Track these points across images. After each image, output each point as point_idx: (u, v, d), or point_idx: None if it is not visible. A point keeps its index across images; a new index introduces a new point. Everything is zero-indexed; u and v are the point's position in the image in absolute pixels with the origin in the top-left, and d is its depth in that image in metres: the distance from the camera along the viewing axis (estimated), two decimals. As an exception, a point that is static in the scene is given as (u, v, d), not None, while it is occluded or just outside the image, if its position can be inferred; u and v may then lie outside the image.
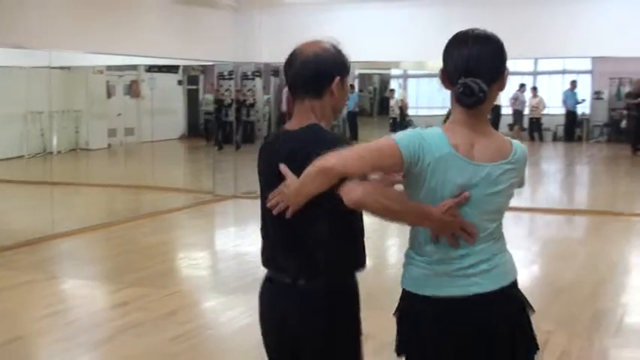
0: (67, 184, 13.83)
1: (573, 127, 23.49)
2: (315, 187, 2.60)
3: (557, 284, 7.46)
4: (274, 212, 2.79)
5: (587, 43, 11.59)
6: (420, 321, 2.71)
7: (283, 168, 2.76)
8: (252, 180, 12.13)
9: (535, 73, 24.89)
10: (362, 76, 21.99)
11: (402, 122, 22.02)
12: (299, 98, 2.91)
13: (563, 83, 24.37)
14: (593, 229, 10.77)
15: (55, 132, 14.38)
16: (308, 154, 2.64)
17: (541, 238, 10.22)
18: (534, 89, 23.84)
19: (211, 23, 12.74)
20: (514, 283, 2.77)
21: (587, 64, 23.27)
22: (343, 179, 2.54)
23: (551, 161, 20.27)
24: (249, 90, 16.76)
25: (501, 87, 2.69)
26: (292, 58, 2.93)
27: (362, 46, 12.43)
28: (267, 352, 3.20)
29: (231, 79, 17.67)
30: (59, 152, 15.58)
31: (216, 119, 21.78)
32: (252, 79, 14.58)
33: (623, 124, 21.28)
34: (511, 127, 22.91)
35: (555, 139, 24.36)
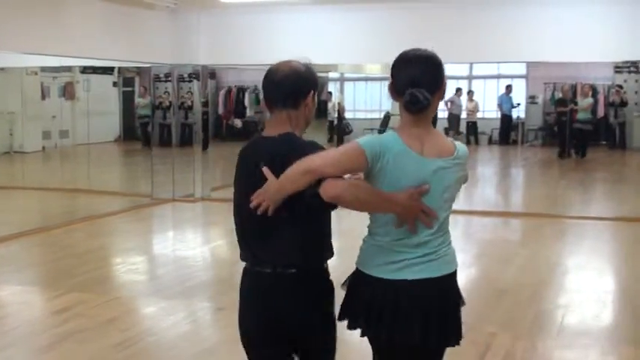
0: (1, 188, 13.59)
1: (509, 131, 23.86)
2: (299, 185, 2.99)
3: (498, 286, 7.54)
4: (258, 212, 3.20)
5: (521, 48, 11.74)
6: (369, 298, 3.12)
7: (266, 170, 3.13)
8: (190, 183, 12.05)
9: (470, 77, 25.21)
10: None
11: (339, 125, 22.10)
12: (277, 109, 3.28)
13: (498, 87, 24.72)
14: (530, 231, 10.91)
15: (-11, 134, 14.15)
16: (287, 158, 3.02)
17: (479, 240, 10.31)
18: (470, 93, 24.13)
19: (148, 24, 12.62)
20: (454, 273, 3.22)
21: (522, 69, 23.65)
22: (320, 179, 2.93)
23: (487, 164, 20.51)
24: (187, 92, 16.62)
25: (441, 96, 3.15)
26: (271, 73, 3.30)
27: (299, 48, 12.41)
28: (252, 343, 3.59)
29: (167, 81, 17.52)
30: (-7, 155, 15.33)
31: (144, 124, 21.72)
32: (190, 81, 14.43)
33: (557, 128, 21.65)
34: (447, 130, 23.12)
35: (491, 142, 24.71)
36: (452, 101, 23.55)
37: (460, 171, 3.16)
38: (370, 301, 3.11)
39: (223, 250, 10.23)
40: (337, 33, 12.30)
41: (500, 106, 23.90)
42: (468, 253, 9.06)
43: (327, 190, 2.93)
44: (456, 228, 10.29)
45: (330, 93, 21.96)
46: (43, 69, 17.32)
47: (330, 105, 21.40)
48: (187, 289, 7.65)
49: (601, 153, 19.83)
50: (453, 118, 23.60)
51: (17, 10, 10.04)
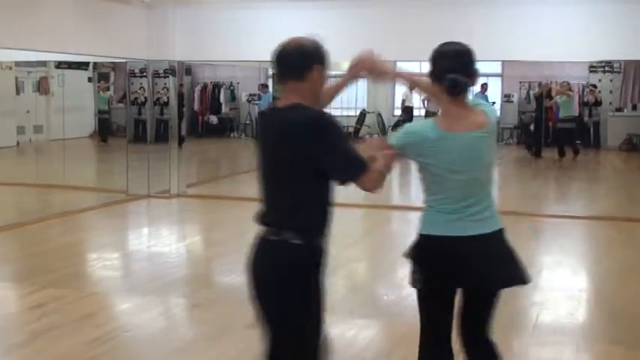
0: (-25, 183, 13.50)
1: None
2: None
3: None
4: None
5: (497, 47, 11.76)
6: (433, 257, 3.75)
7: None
8: (166, 180, 11.98)
9: (446, 75, 25.27)
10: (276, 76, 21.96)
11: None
12: (284, 81, 3.54)
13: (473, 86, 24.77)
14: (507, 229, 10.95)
15: (-38, 129, 14.04)
16: (291, 124, 3.40)
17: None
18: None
19: (123, 19, 12.54)
20: (501, 230, 3.85)
21: (497, 68, 23.71)
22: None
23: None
24: (162, 88, 16.58)
25: (473, 83, 3.74)
26: (278, 48, 3.58)
27: (275, 46, 12.44)
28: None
29: (143, 76, 17.45)
30: (-34, 150, 15.21)
31: (102, 120, 21.67)
32: (165, 77, 14.37)
33: (532, 127, 21.75)
34: (422, 127, 23.15)
35: (466, 140, 24.76)
36: (428, 99, 23.59)
37: (493, 139, 3.79)
38: (436, 254, 3.73)
39: (199, 246, 10.23)
40: (313, 30, 12.23)
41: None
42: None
43: (370, 187, 3.52)
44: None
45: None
46: (18, 63, 17.24)
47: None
48: (163, 286, 7.64)
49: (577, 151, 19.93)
50: (430, 115, 23.64)
51: (-8, 4, 9.97)
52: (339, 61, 15.40)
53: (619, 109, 23.36)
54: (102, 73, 23.86)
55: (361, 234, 11.00)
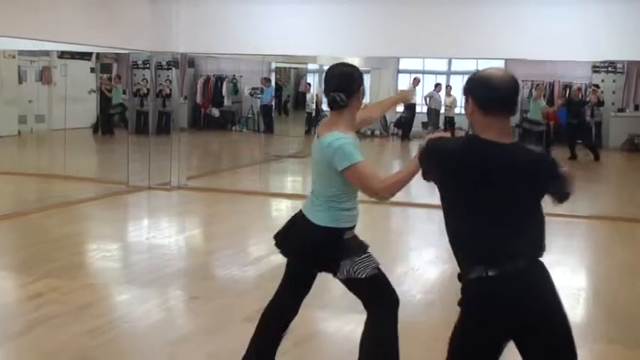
0: (-24, 172, 13.50)
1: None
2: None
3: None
4: None
5: (500, 45, 11.75)
6: None
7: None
8: (167, 171, 11.92)
9: (449, 73, 25.24)
10: (279, 70, 21.95)
11: (317, 117, 22.11)
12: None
13: (476, 83, 24.74)
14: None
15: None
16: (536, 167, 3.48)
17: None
18: (448, 88, 24.18)
19: (127, 10, 12.50)
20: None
21: (500, 66, 23.67)
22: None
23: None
24: (165, 80, 16.58)
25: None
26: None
27: (279, 39, 12.43)
28: None
29: (146, 68, 17.46)
30: (-33, 138, 15.21)
31: (102, 111, 21.53)
32: (168, 69, 14.37)
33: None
34: (425, 125, 23.19)
35: (467, 137, 24.73)
36: (430, 96, 23.61)
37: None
38: None
39: (198, 239, 10.23)
40: (317, 24, 12.26)
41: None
42: (442, 248, 9.06)
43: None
44: (432, 223, 10.33)
45: (309, 84, 21.94)
46: (21, 52, 17.22)
47: (308, 96, 21.38)
48: (161, 278, 7.64)
49: (577, 152, 19.89)
50: (432, 113, 23.63)
51: (-5, -7, 9.94)
52: (342, 57, 15.32)
53: (621, 110, 23.35)
54: (104, 64, 23.83)
55: (361, 230, 10.97)
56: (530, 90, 23.13)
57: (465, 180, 3.38)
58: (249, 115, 25.67)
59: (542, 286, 3.46)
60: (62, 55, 18.63)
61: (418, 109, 23.75)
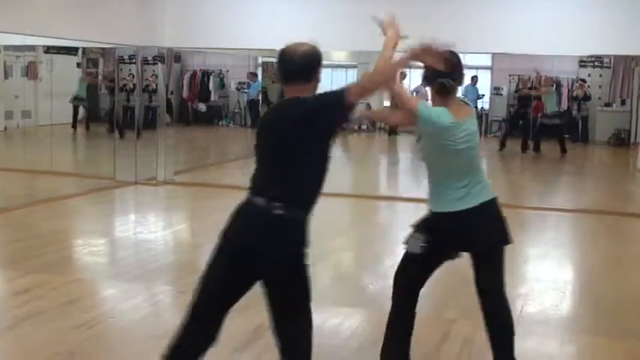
0: (-38, 167, 13.43)
1: (473, 122, 23.89)
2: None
3: (461, 275, 7.54)
4: None
5: (487, 39, 11.78)
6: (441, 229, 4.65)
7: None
8: (153, 167, 11.91)
9: (435, 67, 25.24)
10: (265, 65, 21.91)
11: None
12: (291, 83, 3.95)
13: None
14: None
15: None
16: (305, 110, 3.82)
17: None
18: (435, 83, 24.16)
19: (113, 4, 12.44)
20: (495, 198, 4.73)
21: (487, 60, 23.71)
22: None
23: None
24: (151, 75, 16.52)
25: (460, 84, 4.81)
26: (285, 53, 4.01)
27: (266, 34, 12.40)
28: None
29: (132, 63, 17.38)
30: (-47, 134, 15.13)
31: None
32: (154, 64, 14.33)
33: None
34: (411, 119, 23.13)
35: (454, 132, 24.73)
36: (417, 91, 23.56)
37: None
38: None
39: (185, 234, 10.22)
40: (304, 19, 12.25)
41: (465, 96, 23.94)
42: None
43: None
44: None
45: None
46: (6, 47, 17.13)
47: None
48: (148, 272, 7.63)
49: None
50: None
51: (-20, -13, 9.90)
52: (329, 51, 15.21)
53: (608, 104, 23.39)
54: (91, 59, 23.73)
55: (348, 224, 11.01)
56: (517, 84, 23.18)
57: None
58: (236, 110, 25.63)
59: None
60: (48, 50, 18.53)
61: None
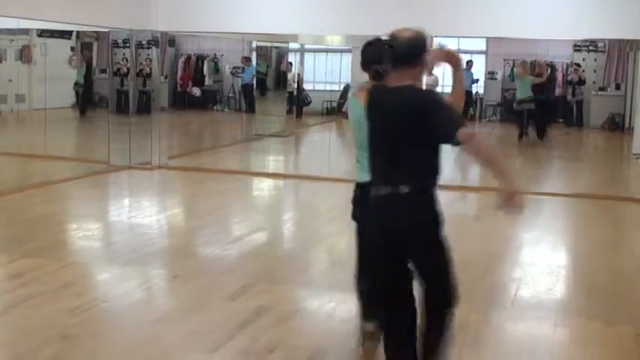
0: (-45, 151, 13.40)
1: (468, 106, 23.87)
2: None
3: (455, 259, 7.56)
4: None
5: (482, 23, 11.76)
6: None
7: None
8: (147, 151, 11.87)
9: (431, 52, 25.22)
10: (260, 49, 21.84)
11: (298, 96, 22.06)
12: (399, 68, 4.13)
13: (457, 62, 24.71)
14: (486, 206, 10.97)
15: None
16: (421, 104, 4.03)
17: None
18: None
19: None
20: None
21: (481, 45, 23.69)
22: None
23: (445, 139, 20.44)
24: (145, 59, 16.47)
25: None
26: (393, 39, 4.16)
27: (260, 17, 12.38)
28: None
29: (126, 47, 17.33)
30: (-53, 118, 15.09)
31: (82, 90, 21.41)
32: (148, 48, 14.28)
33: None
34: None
35: (449, 116, 24.70)
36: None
37: None
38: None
39: (179, 218, 10.21)
40: (299, 3, 12.23)
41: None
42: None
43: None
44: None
45: (291, 64, 21.85)
46: (0, 31, 17.07)
47: (289, 76, 21.30)
48: (142, 257, 7.63)
49: (559, 130, 19.98)
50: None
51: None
52: (324, 35, 15.06)
53: (602, 89, 23.38)
54: (85, 43, 23.67)
55: (343, 209, 11.00)
56: (512, 69, 23.15)
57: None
58: (231, 95, 25.59)
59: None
60: (42, 33, 18.50)
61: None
